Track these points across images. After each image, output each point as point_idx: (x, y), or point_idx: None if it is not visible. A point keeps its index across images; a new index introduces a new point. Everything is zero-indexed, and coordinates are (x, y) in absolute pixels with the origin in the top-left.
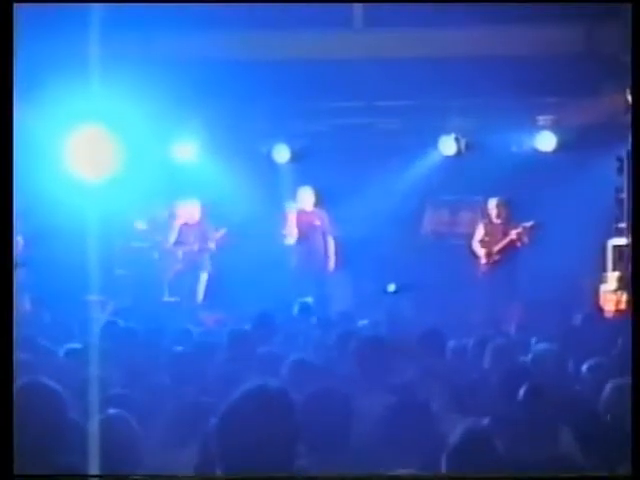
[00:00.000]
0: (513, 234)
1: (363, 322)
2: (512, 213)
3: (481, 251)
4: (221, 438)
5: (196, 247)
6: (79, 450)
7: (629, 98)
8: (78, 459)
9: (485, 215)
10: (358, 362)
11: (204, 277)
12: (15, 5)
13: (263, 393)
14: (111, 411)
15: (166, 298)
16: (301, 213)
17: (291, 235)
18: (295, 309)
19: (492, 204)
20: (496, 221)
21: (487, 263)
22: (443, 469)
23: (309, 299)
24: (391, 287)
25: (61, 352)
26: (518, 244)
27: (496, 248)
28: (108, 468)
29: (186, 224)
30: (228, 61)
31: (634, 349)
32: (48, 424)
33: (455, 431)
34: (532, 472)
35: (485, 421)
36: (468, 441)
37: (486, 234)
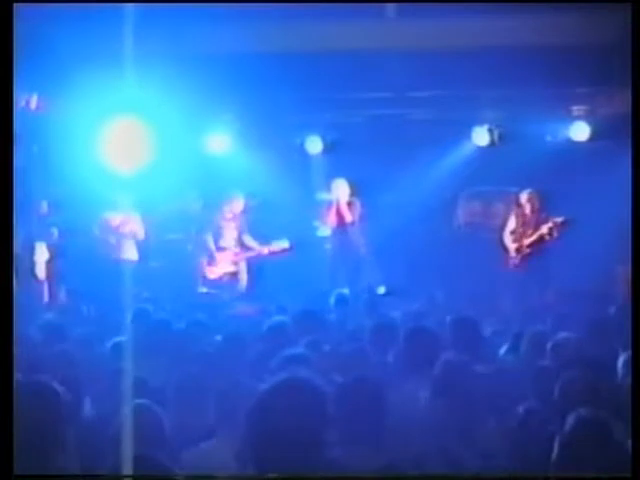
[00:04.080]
0: (544, 229)
1: (396, 313)
2: (545, 204)
3: (512, 245)
4: (253, 430)
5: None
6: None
7: None
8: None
9: (517, 207)
10: (392, 353)
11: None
12: (15, 5)
13: (293, 385)
14: (144, 402)
15: (200, 289)
16: (335, 204)
17: (325, 226)
18: (332, 300)
19: (524, 196)
20: (528, 213)
21: (517, 257)
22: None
23: (345, 290)
24: (380, 290)
25: (96, 344)
26: (547, 238)
27: (527, 242)
28: (142, 460)
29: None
30: (260, 53)
31: (634, 349)
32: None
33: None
34: (533, 472)
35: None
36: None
37: (518, 226)
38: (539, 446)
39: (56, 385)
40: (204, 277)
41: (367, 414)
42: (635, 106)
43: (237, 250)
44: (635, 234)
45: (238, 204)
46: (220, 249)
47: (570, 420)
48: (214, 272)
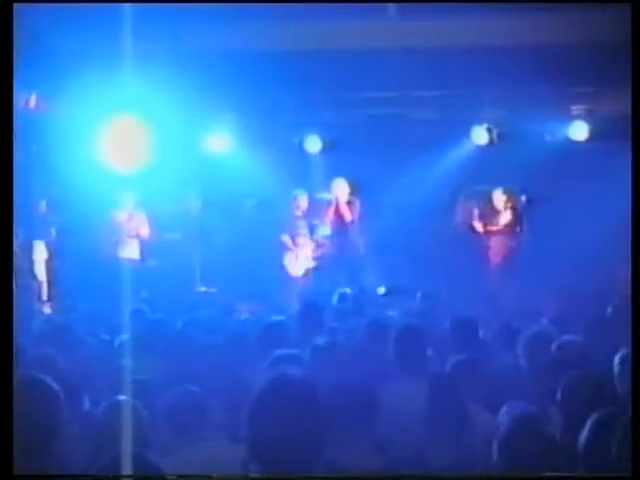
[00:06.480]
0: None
1: (395, 312)
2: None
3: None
4: (250, 429)
5: None
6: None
7: None
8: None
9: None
10: (391, 351)
11: None
12: (15, 5)
13: (285, 382)
14: (142, 401)
15: (199, 288)
16: (335, 204)
17: (325, 225)
18: (334, 299)
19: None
20: (501, 209)
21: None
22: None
23: (345, 289)
24: (381, 290)
25: (93, 343)
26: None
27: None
28: (138, 460)
29: None
30: (259, 52)
31: (634, 349)
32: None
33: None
34: (532, 472)
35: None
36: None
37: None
38: (538, 447)
39: (54, 384)
40: (288, 275)
41: (362, 413)
42: (635, 106)
43: (313, 246)
44: (635, 234)
45: (303, 201)
46: (298, 246)
47: (573, 421)
48: (297, 269)
